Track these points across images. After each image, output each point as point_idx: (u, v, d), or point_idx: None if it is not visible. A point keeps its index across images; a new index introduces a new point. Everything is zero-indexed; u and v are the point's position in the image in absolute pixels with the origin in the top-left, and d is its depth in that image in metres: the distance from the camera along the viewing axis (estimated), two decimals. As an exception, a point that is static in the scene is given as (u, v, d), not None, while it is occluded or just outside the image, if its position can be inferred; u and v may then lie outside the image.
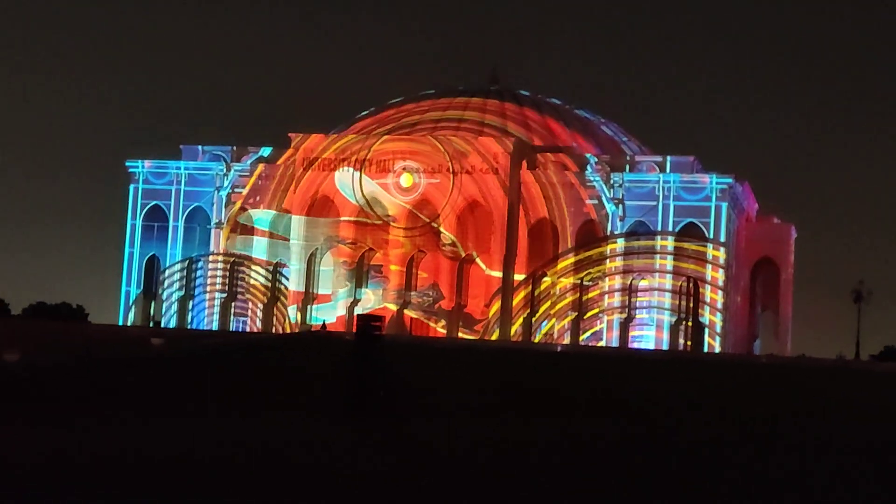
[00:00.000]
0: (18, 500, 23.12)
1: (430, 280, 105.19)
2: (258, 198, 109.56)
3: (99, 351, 58.55)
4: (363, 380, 41.47)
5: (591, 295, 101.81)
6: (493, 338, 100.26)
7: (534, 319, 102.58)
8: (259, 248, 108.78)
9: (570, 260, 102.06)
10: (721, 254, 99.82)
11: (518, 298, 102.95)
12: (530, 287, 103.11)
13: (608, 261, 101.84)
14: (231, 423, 38.59)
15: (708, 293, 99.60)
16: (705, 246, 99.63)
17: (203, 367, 57.93)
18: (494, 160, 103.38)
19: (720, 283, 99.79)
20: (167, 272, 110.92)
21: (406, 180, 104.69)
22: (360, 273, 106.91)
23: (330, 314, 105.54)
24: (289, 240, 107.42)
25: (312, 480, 27.18)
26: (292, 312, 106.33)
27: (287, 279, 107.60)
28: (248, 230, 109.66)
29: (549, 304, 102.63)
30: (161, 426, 37.21)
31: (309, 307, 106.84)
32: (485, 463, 31.11)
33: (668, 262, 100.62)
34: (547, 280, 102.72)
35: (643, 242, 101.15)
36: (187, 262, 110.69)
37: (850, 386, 60.84)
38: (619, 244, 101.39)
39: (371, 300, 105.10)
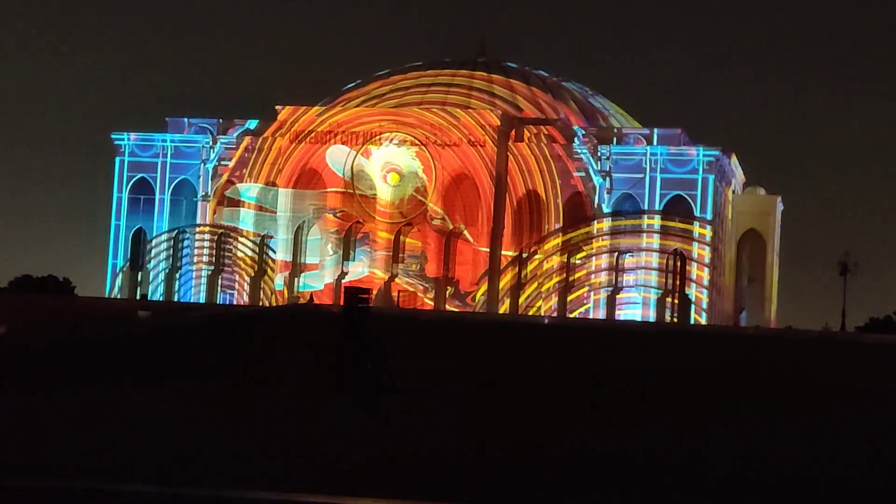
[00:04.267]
0: (11, 474, 23.14)
1: (419, 249, 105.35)
2: (245, 170, 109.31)
3: (86, 324, 58.48)
4: (351, 353, 41.50)
5: (578, 275, 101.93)
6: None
7: (521, 296, 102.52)
8: (246, 220, 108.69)
9: (559, 240, 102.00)
10: (707, 231, 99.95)
11: (506, 278, 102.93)
12: (518, 264, 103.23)
13: (595, 241, 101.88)
14: (218, 397, 38.63)
15: (695, 270, 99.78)
16: (692, 223, 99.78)
17: (190, 341, 57.93)
18: (481, 132, 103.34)
19: (706, 259, 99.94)
20: (154, 242, 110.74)
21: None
22: (348, 245, 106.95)
23: (318, 281, 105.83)
24: (276, 212, 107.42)
25: (300, 454, 27.24)
26: (280, 280, 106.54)
27: (274, 251, 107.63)
28: (235, 203, 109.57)
29: (536, 284, 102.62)
30: (148, 399, 37.23)
31: (296, 279, 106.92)
32: (474, 436, 31.22)
33: (655, 241, 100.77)
34: (537, 258, 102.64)
35: (630, 221, 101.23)
36: (175, 232, 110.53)
37: (835, 357, 61.13)
38: (606, 223, 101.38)
39: (359, 266, 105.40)
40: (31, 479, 22.28)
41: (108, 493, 21.41)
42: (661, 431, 33.25)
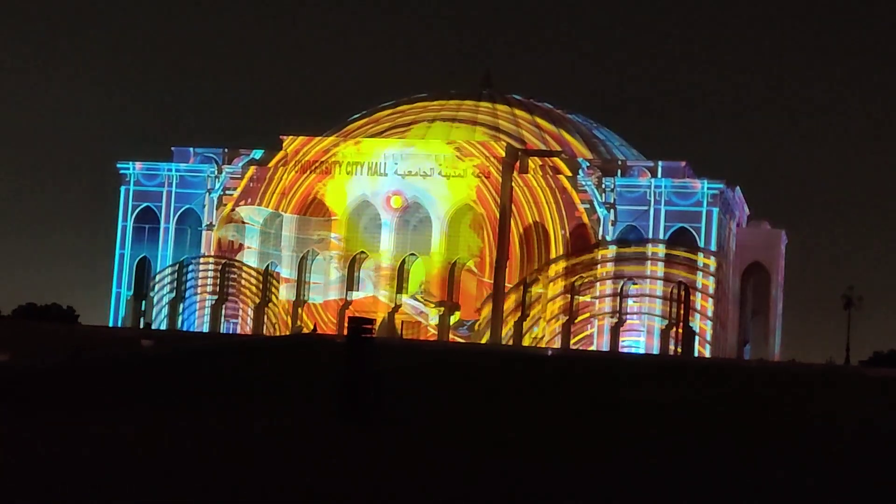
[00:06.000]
0: (14, 495, 23.08)
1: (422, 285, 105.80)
2: (249, 200, 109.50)
3: (89, 352, 58.44)
4: (354, 383, 41.42)
5: (582, 301, 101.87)
6: (484, 341, 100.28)
7: (525, 324, 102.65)
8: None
9: (562, 265, 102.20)
10: (711, 262, 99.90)
11: (510, 304, 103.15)
12: (521, 291, 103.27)
13: (599, 266, 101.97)
14: (221, 425, 38.53)
15: (699, 301, 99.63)
16: (696, 253, 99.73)
17: (194, 369, 57.84)
18: (486, 164, 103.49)
19: (710, 290, 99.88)
20: (158, 277, 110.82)
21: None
22: (352, 276, 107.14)
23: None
24: (281, 232, 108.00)
25: (301, 481, 27.15)
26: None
27: (277, 278, 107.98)
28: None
29: (539, 307, 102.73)
30: (150, 427, 37.15)
31: (300, 309, 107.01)
32: (472, 464, 31.10)
33: (659, 269, 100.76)
34: (539, 285, 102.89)
35: (635, 249, 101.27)
36: (178, 264, 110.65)
37: (839, 391, 60.88)
38: (612, 250, 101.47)
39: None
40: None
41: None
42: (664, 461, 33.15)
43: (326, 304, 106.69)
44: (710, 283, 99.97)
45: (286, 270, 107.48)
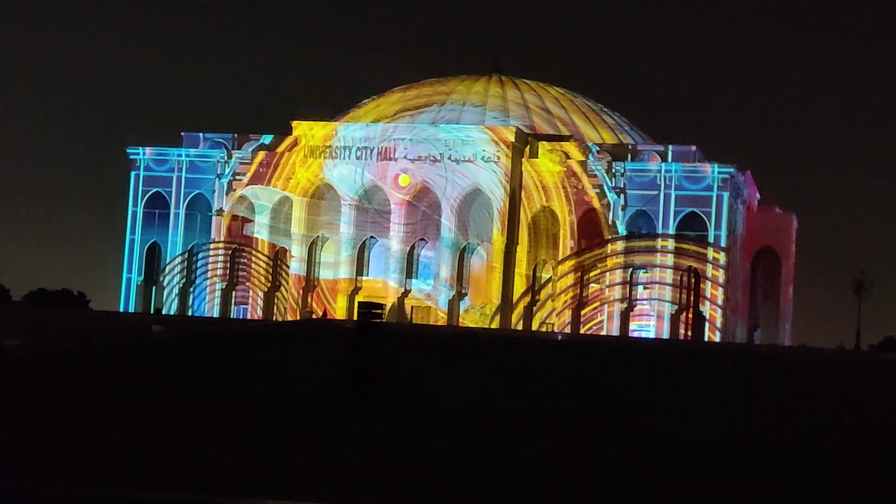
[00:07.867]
0: (20, 486, 23.13)
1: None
2: (259, 186, 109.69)
3: (99, 337, 58.55)
4: (364, 370, 41.38)
5: (593, 290, 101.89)
6: (494, 326, 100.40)
7: (535, 309, 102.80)
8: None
9: (573, 262, 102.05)
10: (721, 256, 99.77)
11: (519, 293, 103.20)
12: (532, 279, 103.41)
13: (609, 258, 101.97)
14: (230, 412, 38.59)
15: (709, 288, 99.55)
16: (706, 248, 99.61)
17: (205, 354, 57.91)
18: (496, 148, 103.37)
19: (720, 279, 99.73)
20: (169, 265, 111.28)
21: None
22: (362, 261, 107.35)
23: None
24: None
25: (310, 472, 27.18)
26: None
27: (288, 266, 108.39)
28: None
29: (549, 291, 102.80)
30: (159, 414, 37.23)
31: (310, 294, 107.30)
32: (485, 454, 31.11)
33: (669, 259, 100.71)
34: (547, 269, 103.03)
35: (644, 242, 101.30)
36: (188, 250, 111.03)
37: (849, 376, 60.78)
38: (620, 244, 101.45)
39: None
40: (46, 485, 22.24)
41: (126, 500, 21.37)
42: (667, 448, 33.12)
43: (335, 291, 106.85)
44: (720, 275, 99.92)
45: (296, 247, 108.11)
